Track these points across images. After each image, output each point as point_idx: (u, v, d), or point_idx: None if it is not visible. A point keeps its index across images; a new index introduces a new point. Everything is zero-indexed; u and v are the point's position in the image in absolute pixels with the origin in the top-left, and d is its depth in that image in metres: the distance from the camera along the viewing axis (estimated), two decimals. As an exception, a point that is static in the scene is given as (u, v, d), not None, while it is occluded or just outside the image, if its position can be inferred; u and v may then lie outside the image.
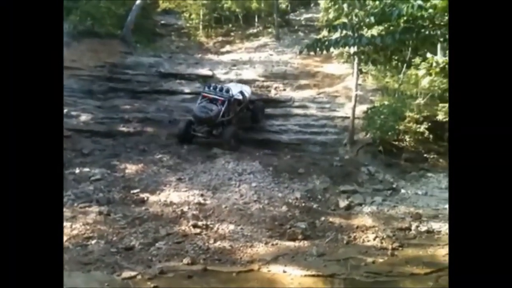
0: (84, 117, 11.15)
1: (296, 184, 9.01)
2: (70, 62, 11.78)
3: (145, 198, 8.17)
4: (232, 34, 17.76)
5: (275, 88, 12.76)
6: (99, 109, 11.70)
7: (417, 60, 10.31)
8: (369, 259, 6.57)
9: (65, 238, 6.47)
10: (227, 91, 10.63)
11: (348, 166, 9.87)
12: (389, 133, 9.87)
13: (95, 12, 14.21)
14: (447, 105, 9.82)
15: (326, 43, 5.42)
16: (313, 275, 6.10)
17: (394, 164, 9.91)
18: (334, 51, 11.57)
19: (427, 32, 5.58)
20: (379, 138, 10.04)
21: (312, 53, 5.64)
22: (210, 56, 15.38)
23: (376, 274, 6.20)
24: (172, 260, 6.35)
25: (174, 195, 8.28)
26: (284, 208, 8.07)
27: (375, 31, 7.49)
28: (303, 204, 8.29)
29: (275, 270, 6.20)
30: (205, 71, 13.45)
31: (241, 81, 12.40)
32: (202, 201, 8.13)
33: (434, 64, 9.78)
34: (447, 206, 8.27)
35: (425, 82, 10.18)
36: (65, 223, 6.80)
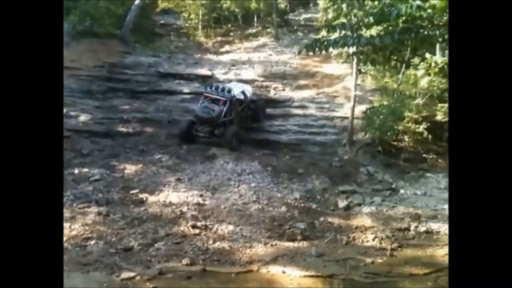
0: (83, 117, 11.13)
1: (295, 184, 9.01)
2: (69, 62, 11.76)
3: (144, 199, 8.16)
4: (231, 34, 17.75)
5: (274, 88, 12.76)
6: (98, 109, 11.69)
7: (416, 60, 10.31)
8: (368, 260, 6.57)
9: (64, 238, 6.46)
10: (229, 91, 10.65)
11: (347, 166, 9.87)
12: (388, 133, 9.87)
13: (94, 12, 14.19)
14: (446, 105, 9.84)
15: (325, 43, 5.42)
16: (312, 276, 6.10)
17: (393, 164, 9.92)
18: (333, 51, 11.59)
19: (426, 32, 5.58)
20: (378, 138, 10.04)
21: (311, 53, 5.64)
22: (209, 56, 15.37)
23: (375, 275, 6.21)
24: (171, 261, 6.35)
25: (173, 196, 8.28)
26: (283, 208, 8.07)
27: (374, 31, 7.50)
28: (302, 205, 8.29)
29: (274, 270, 6.21)
30: (204, 71, 13.44)
31: (240, 81, 12.39)
32: (201, 202, 8.12)
33: (433, 64, 9.79)
34: (446, 206, 8.29)
35: (424, 82, 10.18)
36: (64, 224, 6.78)
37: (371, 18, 5.51)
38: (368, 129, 10.12)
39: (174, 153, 10.07)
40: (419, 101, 10.30)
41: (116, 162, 9.55)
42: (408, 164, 9.91)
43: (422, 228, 7.67)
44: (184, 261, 6.28)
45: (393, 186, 9.25)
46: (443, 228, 7.61)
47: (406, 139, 10.13)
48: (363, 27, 6.78)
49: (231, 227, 7.37)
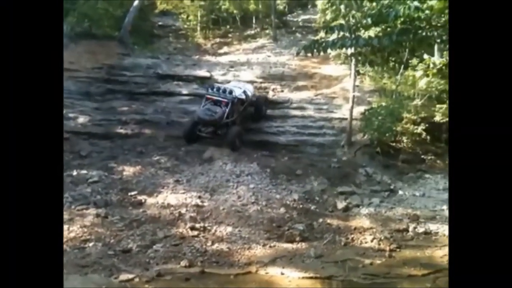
0: (81, 119, 11.13)
1: (294, 185, 9.01)
2: (67, 64, 11.73)
3: (143, 200, 8.15)
4: (229, 35, 17.77)
5: (273, 90, 12.77)
6: (97, 111, 11.68)
7: (414, 61, 10.31)
8: (367, 261, 6.57)
9: (62, 240, 6.45)
10: (230, 92, 10.69)
11: (346, 167, 9.87)
12: (387, 135, 9.88)
13: (92, 14, 14.19)
14: (444, 106, 9.85)
15: (323, 44, 5.41)
16: (311, 277, 6.10)
17: (391, 166, 9.92)
18: (332, 53, 11.58)
19: (424, 34, 5.58)
20: (377, 139, 10.05)
21: (309, 54, 5.63)
22: (207, 57, 15.38)
23: (374, 276, 6.21)
24: (169, 263, 6.34)
25: (172, 197, 8.27)
26: (282, 209, 8.06)
27: (372, 32, 7.50)
28: (300, 206, 8.29)
29: (273, 272, 6.20)
30: (202, 73, 13.44)
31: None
32: (200, 203, 8.12)
33: (431, 65, 9.78)
34: (444, 207, 8.30)
35: (422, 83, 10.18)
36: (62, 226, 6.78)
37: (369, 19, 5.50)
38: (366, 130, 10.13)
39: (173, 154, 10.07)
40: (417, 102, 10.31)
41: (115, 164, 9.54)
42: (406, 165, 9.92)
43: (420, 229, 7.67)
44: (183, 263, 6.27)
45: (392, 187, 9.26)
46: (442, 229, 7.62)
47: (405, 140, 10.14)
48: (361, 28, 6.77)
49: (229, 229, 7.36)
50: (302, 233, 7.33)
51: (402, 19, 5.40)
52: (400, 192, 9.10)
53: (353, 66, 10.50)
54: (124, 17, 15.20)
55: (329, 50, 5.53)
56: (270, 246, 6.95)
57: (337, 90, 12.35)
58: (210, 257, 6.54)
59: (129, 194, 8.34)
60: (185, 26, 17.89)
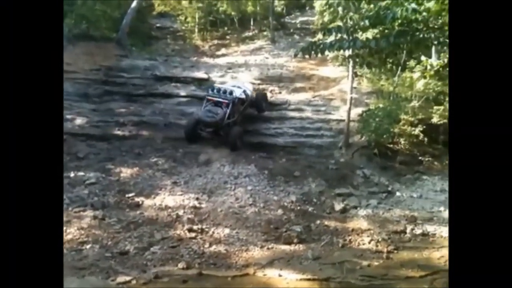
0: (79, 121, 11.10)
1: (292, 187, 9.01)
2: (65, 65, 11.63)
3: (140, 202, 8.14)
4: (227, 37, 17.76)
5: (271, 91, 12.77)
6: (94, 112, 11.66)
7: (411, 63, 10.35)
8: (365, 262, 6.57)
9: (59, 242, 6.42)
10: (231, 93, 10.76)
11: (344, 169, 9.87)
12: (384, 136, 9.89)
13: (90, 15, 14.17)
14: (441, 107, 9.88)
15: (321, 46, 5.42)
16: (308, 279, 6.08)
17: (389, 167, 9.93)
18: (329, 54, 11.60)
19: (421, 35, 5.60)
20: (374, 141, 10.06)
21: (307, 56, 5.64)
22: (205, 59, 15.37)
23: (372, 277, 6.20)
24: (167, 265, 6.32)
25: (169, 199, 8.26)
26: (280, 211, 8.06)
27: (369, 34, 7.52)
28: (298, 208, 8.29)
29: (271, 274, 6.19)
30: (200, 74, 13.44)
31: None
32: (198, 205, 8.11)
33: (429, 67, 9.82)
34: (442, 208, 8.32)
35: (419, 85, 10.21)
36: (59, 228, 6.75)
37: (367, 21, 5.52)
38: (364, 132, 10.14)
39: (170, 156, 10.06)
40: (415, 103, 10.32)
41: (112, 165, 9.53)
42: (404, 167, 9.93)
43: (418, 231, 7.68)
44: (180, 265, 6.26)
45: (389, 188, 9.27)
46: (439, 230, 7.64)
47: (402, 142, 10.15)
48: (359, 30, 6.78)
49: (227, 231, 7.36)
50: (300, 234, 7.33)
51: (399, 21, 5.42)
52: (398, 193, 9.12)
53: (350, 68, 10.52)
54: (122, 18, 15.18)
55: (326, 52, 5.54)
56: (268, 248, 6.94)
57: (335, 92, 12.36)
58: (207, 259, 6.52)
59: (127, 196, 8.32)
60: (183, 27, 17.87)
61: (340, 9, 10.49)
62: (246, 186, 8.83)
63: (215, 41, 17.35)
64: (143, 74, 13.24)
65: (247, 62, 14.55)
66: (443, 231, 7.57)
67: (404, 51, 8.47)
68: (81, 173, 8.97)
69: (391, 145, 10.17)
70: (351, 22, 8.75)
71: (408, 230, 7.67)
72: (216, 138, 10.62)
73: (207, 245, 6.90)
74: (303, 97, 12.49)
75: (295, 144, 10.88)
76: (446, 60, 7.82)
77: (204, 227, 7.41)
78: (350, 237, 7.39)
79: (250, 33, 17.91)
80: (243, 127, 10.94)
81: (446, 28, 5.35)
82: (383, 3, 6.07)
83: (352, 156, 10.30)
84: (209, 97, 10.76)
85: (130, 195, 8.34)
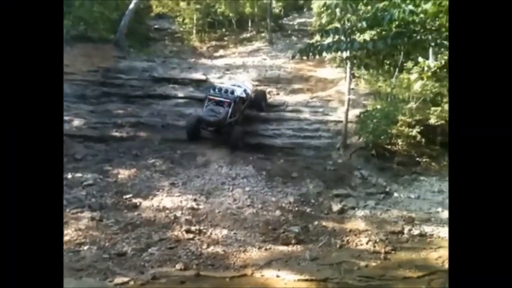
0: (77, 122, 11.09)
1: (290, 188, 9.02)
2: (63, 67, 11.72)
3: (138, 203, 8.13)
4: (225, 38, 17.79)
5: (269, 93, 12.79)
6: (92, 114, 11.66)
7: (409, 64, 10.37)
8: (362, 263, 6.58)
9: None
10: (232, 92, 10.85)
11: (341, 170, 9.89)
12: (382, 137, 9.92)
13: (88, 17, 14.18)
14: (439, 109, 9.92)
15: (319, 47, 5.42)
16: (306, 280, 6.09)
17: (386, 168, 9.95)
18: (327, 56, 11.63)
19: (418, 37, 5.61)
20: (372, 142, 10.08)
21: (305, 57, 5.65)
22: (203, 60, 15.40)
23: (369, 278, 6.21)
24: (164, 266, 6.32)
25: (167, 200, 8.26)
26: (278, 212, 8.07)
27: (367, 35, 7.54)
28: (296, 208, 8.30)
29: (269, 274, 6.19)
30: (198, 76, 13.46)
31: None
32: (195, 206, 8.11)
33: (426, 68, 9.81)
34: (439, 209, 8.34)
35: (417, 86, 10.23)
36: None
37: (364, 23, 5.53)
38: (362, 133, 10.16)
39: (168, 157, 10.06)
40: (412, 105, 10.36)
41: (110, 166, 9.52)
42: (401, 168, 9.95)
43: (415, 231, 7.69)
44: (178, 266, 6.26)
45: (387, 189, 9.28)
46: (437, 231, 7.65)
47: (400, 143, 10.18)
48: (356, 32, 6.81)
49: (225, 232, 7.36)
50: (298, 235, 7.33)
51: (397, 22, 5.44)
52: (395, 194, 9.14)
53: (348, 69, 10.54)
54: (120, 20, 15.19)
55: (324, 53, 5.55)
56: (266, 249, 6.94)
57: (333, 93, 12.39)
58: (205, 260, 6.52)
59: (124, 197, 8.32)
60: (181, 29, 17.89)
61: (337, 10, 10.50)
62: (244, 187, 8.84)
63: (213, 43, 17.37)
64: (141, 76, 13.25)
65: (245, 64, 14.58)
66: (441, 232, 7.59)
67: (402, 53, 8.49)
68: (78, 175, 8.96)
69: (389, 146, 10.19)
70: (349, 24, 8.76)
71: (405, 231, 7.68)
72: (218, 137, 10.66)
73: (205, 246, 6.90)
74: (301, 98, 12.51)
75: (293, 145, 10.90)
76: (443, 62, 7.83)
77: (202, 228, 7.41)
78: (348, 238, 7.40)
79: (248, 35, 17.94)
80: (241, 127, 10.98)
81: (443, 29, 5.38)
82: (381, 5, 6.08)
83: (350, 157, 10.32)
84: (211, 97, 10.83)
85: (128, 196, 8.34)
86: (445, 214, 8.11)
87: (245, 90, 11.30)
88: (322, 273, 6.27)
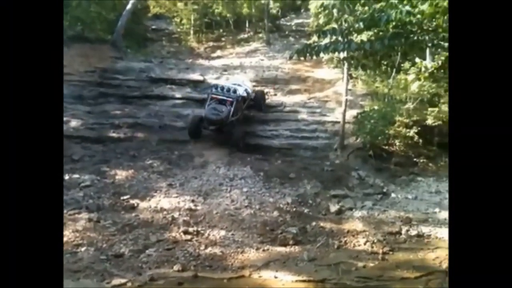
0: (74, 123, 11.05)
1: (287, 189, 9.01)
2: (59, 67, 11.69)
3: (135, 205, 8.12)
4: (223, 39, 17.78)
5: (266, 93, 12.78)
6: (89, 114, 11.61)
7: (406, 65, 10.39)
8: (360, 264, 6.59)
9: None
10: (234, 91, 10.90)
11: (339, 170, 9.90)
12: (379, 138, 9.93)
13: (85, 17, 14.13)
14: (436, 109, 9.94)
15: (316, 48, 5.43)
16: (304, 280, 6.10)
17: (384, 169, 9.96)
18: (324, 57, 11.64)
19: (415, 38, 5.62)
20: (369, 142, 10.09)
21: (302, 58, 5.66)
22: (201, 61, 15.38)
23: (367, 279, 6.23)
24: (162, 267, 6.31)
25: (165, 201, 8.24)
26: (275, 213, 8.07)
27: (364, 36, 7.54)
28: (294, 209, 8.30)
29: (266, 275, 6.20)
30: (196, 76, 13.44)
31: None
32: (193, 207, 8.10)
33: (423, 69, 9.83)
34: (437, 210, 8.36)
35: (414, 87, 10.26)
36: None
37: (362, 24, 5.53)
38: (359, 134, 10.17)
39: (166, 158, 10.04)
40: (409, 105, 10.38)
41: (107, 167, 9.49)
42: (399, 168, 9.96)
43: (413, 232, 7.70)
44: (176, 267, 6.25)
45: (384, 190, 9.29)
46: (434, 231, 7.67)
47: (397, 143, 10.19)
48: (353, 32, 6.81)
49: (223, 233, 7.35)
50: (295, 236, 7.34)
51: (394, 23, 5.44)
52: (393, 195, 9.15)
53: (345, 70, 10.56)
54: (117, 20, 15.14)
55: (321, 54, 5.55)
56: (264, 250, 6.94)
57: (330, 94, 12.40)
58: (203, 261, 6.52)
59: (122, 198, 8.30)
60: (178, 29, 17.87)
61: (335, 11, 10.51)
62: (241, 188, 8.83)
63: (211, 43, 17.36)
64: (138, 76, 13.22)
65: (242, 64, 14.57)
66: (438, 232, 7.61)
67: (399, 53, 8.49)
68: (76, 176, 8.93)
69: (386, 147, 10.21)
70: (346, 25, 8.78)
71: (403, 231, 7.69)
72: (219, 136, 10.68)
73: (202, 247, 6.90)
74: (298, 99, 12.51)
75: (290, 146, 10.89)
76: (440, 62, 7.85)
77: (199, 229, 7.40)
78: (345, 239, 7.41)
79: (246, 35, 17.94)
80: (243, 127, 10.98)
81: (440, 30, 5.39)
82: (378, 6, 6.10)
83: (347, 157, 10.33)
84: (213, 95, 10.86)
85: (125, 197, 8.32)
86: (442, 215, 8.13)
87: (246, 89, 11.37)
88: (320, 273, 6.28)
